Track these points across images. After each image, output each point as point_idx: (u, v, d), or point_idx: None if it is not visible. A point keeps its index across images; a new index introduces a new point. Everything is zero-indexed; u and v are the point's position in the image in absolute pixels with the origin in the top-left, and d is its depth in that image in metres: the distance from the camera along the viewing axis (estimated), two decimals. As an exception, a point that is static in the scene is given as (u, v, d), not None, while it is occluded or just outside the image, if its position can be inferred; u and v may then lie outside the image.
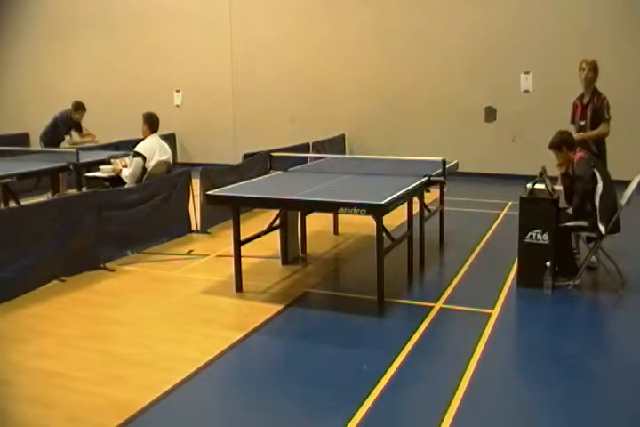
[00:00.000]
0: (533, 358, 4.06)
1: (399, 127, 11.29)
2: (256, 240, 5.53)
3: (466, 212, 8.10)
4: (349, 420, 3.22)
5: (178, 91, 13.14)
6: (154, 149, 6.81)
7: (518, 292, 5.13)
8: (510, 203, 8.20)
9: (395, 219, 6.02)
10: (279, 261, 5.95)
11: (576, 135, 5.54)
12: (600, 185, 4.98)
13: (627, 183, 5.23)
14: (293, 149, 9.04)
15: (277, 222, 5.86)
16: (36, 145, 9.89)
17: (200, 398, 3.53)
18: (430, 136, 10.90)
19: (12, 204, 7.23)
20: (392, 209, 4.70)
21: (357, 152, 11.52)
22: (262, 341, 4.32)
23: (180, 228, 7.04)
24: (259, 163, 8.02)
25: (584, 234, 5.26)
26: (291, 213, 5.89)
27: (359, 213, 4.56)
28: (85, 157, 7.65)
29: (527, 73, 10.44)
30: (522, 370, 3.98)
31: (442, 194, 6.73)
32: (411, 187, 5.23)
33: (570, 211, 5.26)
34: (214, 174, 7.29)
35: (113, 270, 5.77)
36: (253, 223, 6.63)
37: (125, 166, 6.88)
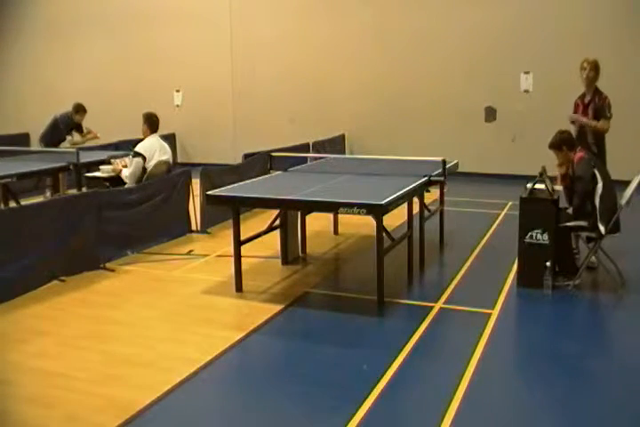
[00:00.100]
0: (533, 358, 4.06)
1: (399, 127, 11.29)
2: (256, 240, 5.53)
3: (466, 212, 8.10)
4: (349, 420, 3.22)
5: (178, 91, 13.14)
6: (154, 149, 6.81)
7: (518, 292, 5.12)
8: (510, 203, 8.20)
9: (395, 219, 6.02)
10: (279, 261, 5.95)
11: (575, 115, 5.54)
12: (600, 185, 4.98)
13: (627, 183, 5.23)
14: (293, 149, 9.05)
15: (277, 222, 5.86)
16: (35, 145, 9.88)
17: (200, 398, 3.53)
18: (430, 136, 10.91)
19: (12, 204, 7.24)
20: (392, 209, 4.70)
21: (357, 152, 11.52)
22: (262, 341, 4.32)
23: (179, 228, 7.04)
24: (259, 163, 8.01)
25: (584, 234, 5.26)
26: (291, 213, 5.89)
27: (359, 213, 4.56)
28: (85, 157, 7.65)
29: (527, 73, 10.44)
30: (522, 370, 3.98)
31: (442, 194, 6.73)
32: (411, 187, 5.23)
33: (570, 211, 5.26)
34: (214, 174, 7.29)
35: (113, 270, 5.77)
36: (253, 223, 6.63)
37: (125, 166, 6.88)
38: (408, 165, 6.35)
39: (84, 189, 7.39)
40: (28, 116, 13.31)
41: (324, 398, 3.51)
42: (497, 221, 7.52)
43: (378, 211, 4.53)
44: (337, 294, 5.32)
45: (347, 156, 10.69)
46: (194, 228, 7.20)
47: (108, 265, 5.86)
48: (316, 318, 4.77)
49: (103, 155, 7.98)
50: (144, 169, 6.76)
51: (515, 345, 4.39)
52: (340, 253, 6.46)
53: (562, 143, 5.21)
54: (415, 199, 5.62)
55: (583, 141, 5.55)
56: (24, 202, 7.01)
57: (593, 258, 5.38)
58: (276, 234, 5.90)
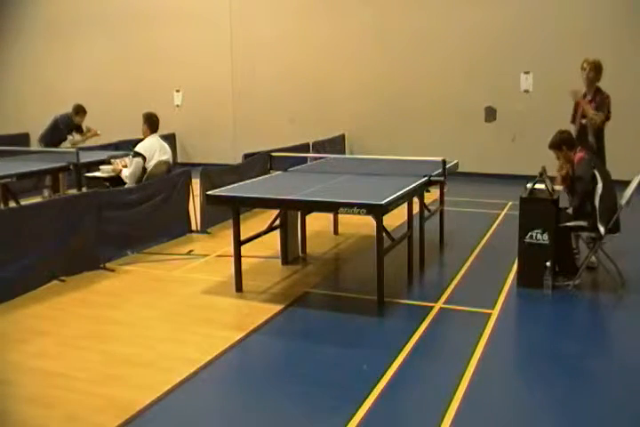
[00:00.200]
0: (533, 358, 4.06)
1: (399, 127, 11.29)
2: (256, 240, 5.53)
3: (466, 212, 8.10)
4: (349, 420, 3.22)
5: (178, 91, 13.14)
6: (154, 149, 6.81)
7: (518, 292, 5.12)
8: (510, 203, 8.20)
9: (395, 219, 6.02)
10: (279, 261, 5.95)
11: (577, 90, 5.56)
12: (600, 185, 4.98)
13: (627, 183, 5.23)
14: (293, 149, 9.05)
15: (277, 222, 5.86)
16: (35, 145, 9.88)
17: (200, 398, 3.53)
18: (430, 136, 10.91)
19: (12, 204, 7.24)
20: (392, 209, 4.70)
21: (357, 152, 11.52)
22: (262, 341, 4.32)
23: (180, 228, 7.04)
24: (259, 163, 8.01)
25: (585, 234, 5.26)
26: (291, 213, 5.89)
27: (359, 213, 4.56)
28: (85, 157, 7.64)
29: (527, 73, 10.44)
30: (522, 370, 3.98)
31: (442, 194, 6.73)
32: (411, 187, 5.23)
33: (570, 211, 5.26)
34: (214, 174, 7.29)
35: (113, 270, 5.77)
36: (253, 223, 6.63)
37: (125, 166, 6.88)
38: (408, 165, 6.35)
39: (84, 189, 7.38)
40: (28, 116, 13.32)
41: (324, 398, 3.51)
42: (497, 221, 7.52)
43: (378, 211, 4.53)
44: (337, 294, 5.32)
45: (347, 156, 10.69)
46: (194, 228, 7.20)
47: (108, 265, 5.86)
48: (316, 318, 4.77)
49: (103, 155, 7.98)
50: (144, 169, 6.76)
51: (515, 345, 4.39)
52: (340, 253, 6.46)
53: (562, 143, 5.22)
54: (415, 199, 5.62)
55: (583, 141, 5.55)
56: (24, 202, 7.01)
57: (593, 258, 5.38)
58: (276, 234, 5.90)
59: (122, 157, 7.30)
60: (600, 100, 5.63)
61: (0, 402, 3.54)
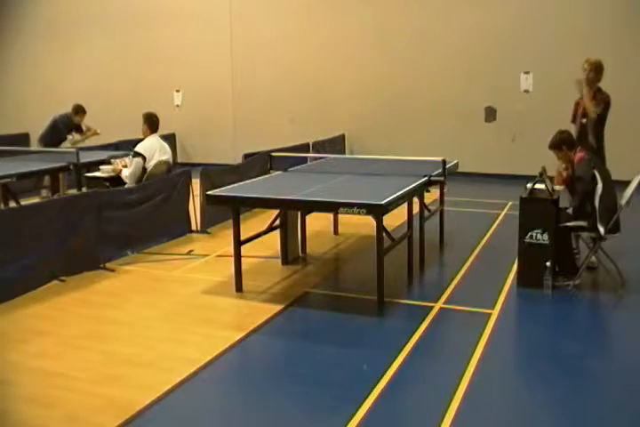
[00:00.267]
0: (533, 358, 4.06)
1: (399, 127, 11.29)
2: (256, 240, 5.53)
3: (466, 212, 8.10)
4: (349, 420, 3.22)
5: (178, 91, 13.14)
6: (154, 149, 6.81)
7: (518, 292, 5.12)
8: (510, 203, 8.20)
9: (395, 219, 6.02)
10: (279, 261, 5.95)
11: (581, 80, 5.56)
12: (600, 186, 4.98)
13: (627, 183, 5.23)
14: (293, 149, 9.04)
15: (277, 222, 5.86)
16: (35, 145, 9.88)
17: (200, 398, 3.53)
18: (430, 136, 10.91)
19: (12, 204, 7.23)
20: (392, 209, 4.70)
21: (357, 152, 11.52)
22: (262, 341, 4.32)
23: (180, 228, 7.04)
24: (259, 163, 8.01)
25: (585, 234, 5.26)
26: (291, 213, 5.89)
27: (359, 213, 4.56)
28: (85, 157, 7.64)
29: (527, 73, 10.44)
30: (522, 370, 3.98)
31: (442, 194, 6.73)
32: (411, 187, 5.23)
33: (570, 211, 5.26)
34: (214, 174, 7.29)
35: (113, 270, 5.77)
36: (253, 223, 6.63)
37: (125, 166, 6.88)
38: (408, 165, 6.35)
39: (84, 189, 7.38)
40: (28, 116, 13.31)
41: (324, 398, 3.51)
42: (497, 221, 7.52)
43: (378, 211, 4.53)
44: (337, 294, 5.32)
45: (347, 156, 10.69)
46: (194, 228, 7.20)
47: (108, 265, 5.86)
48: (316, 318, 4.77)
49: (103, 155, 7.98)
50: (144, 169, 6.76)
51: (515, 345, 4.39)
52: (340, 253, 6.46)
53: (562, 143, 5.22)
54: (415, 199, 5.62)
55: (583, 141, 5.54)
56: (24, 202, 7.01)
57: (593, 258, 5.38)
58: (276, 234, 5.90)
59: (122, 157, 7.30)
60: (600, 100, 5.63)
61: (0, 402, 3.54)
